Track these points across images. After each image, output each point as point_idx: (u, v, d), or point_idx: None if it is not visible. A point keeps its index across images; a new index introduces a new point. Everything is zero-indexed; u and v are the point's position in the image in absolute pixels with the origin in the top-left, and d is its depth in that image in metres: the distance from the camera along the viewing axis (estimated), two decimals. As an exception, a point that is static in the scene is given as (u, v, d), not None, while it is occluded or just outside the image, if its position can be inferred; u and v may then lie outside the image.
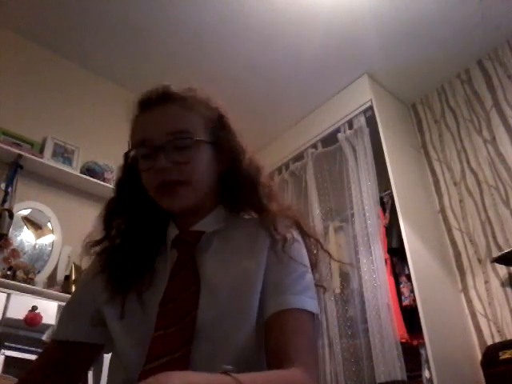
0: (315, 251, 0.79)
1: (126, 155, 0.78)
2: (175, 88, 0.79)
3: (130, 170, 0.80)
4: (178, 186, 0.71)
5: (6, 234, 2.15)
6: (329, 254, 0.84)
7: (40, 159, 2.42)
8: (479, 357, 2.25)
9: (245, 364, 0.63)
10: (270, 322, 0.64)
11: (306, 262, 0.73)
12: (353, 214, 2.68)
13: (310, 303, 0.66)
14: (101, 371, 1.96)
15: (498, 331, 2.30)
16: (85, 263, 0.84)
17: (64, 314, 0.80)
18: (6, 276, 2.05)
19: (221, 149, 0.78)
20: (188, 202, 0.73)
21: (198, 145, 0.74)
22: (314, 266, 0.77)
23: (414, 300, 2.23)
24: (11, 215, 2.17)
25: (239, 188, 0.79)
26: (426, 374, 2.13)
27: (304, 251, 0.75)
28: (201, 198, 0.75)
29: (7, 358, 1.77)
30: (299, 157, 3.25)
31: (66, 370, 0.74)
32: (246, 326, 0.65)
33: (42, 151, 2.54)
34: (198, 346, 0.63)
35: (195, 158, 0.73)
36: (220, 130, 0.79)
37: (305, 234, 0.78)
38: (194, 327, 0.64)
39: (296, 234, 0.75)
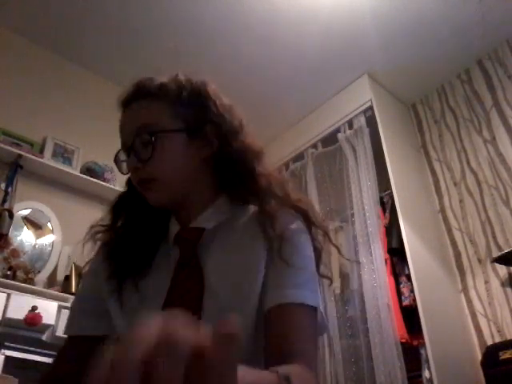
0: (323, 243, 0.76)
1: (117, 160, 0.79)
2: (149, 81, 0.76)
3: None
4: (151, 182, 0.71)
5: (6, 234, 2.15)
6: (337, 247, 0.81)
7: (40, 159, 2.42)
8: (479, 357, 2.25)
9: (244, 362, 0.62)
10: (269, 315, 0.63)
11: (309, 253, 0.70)
12: (353, 214, 2.68)
13: (310, 297, 0.64)
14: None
15: (498, 331, 2.29)
16: (79, 257, 0.84)
17: (74, 308, 0.79)
18: (6, 276, 2.05)
19: (201, 133, 0.73)
20: (163, 196, 0.71)
21: (162, 137, 0.70)
22: (319, 257, 0.74)
23: (414, 300, 2.23)
24: (11, 215, 2.17)
25: (232, 175, 0.74)
26: (426, 373, 2.13)
27: (307, 243, 0.71)
28: (182, 190, 0.73)
29: (7, 358, 1.77)
30: (299, 157, 3.25)
31: (84, 365, 0.73)
32: (247, 326, 0.64)
33: (42, 151, 2.54)
34: None
35: (158, 152, 0.69)
36: (197, 112, 0.74)
37: (312, 225, 0.74)
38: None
39: (301, 225, 0.72)
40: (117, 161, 0.78)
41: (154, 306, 0.67)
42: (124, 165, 0.75)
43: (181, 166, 0.72)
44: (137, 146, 0.70)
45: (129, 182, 0.83)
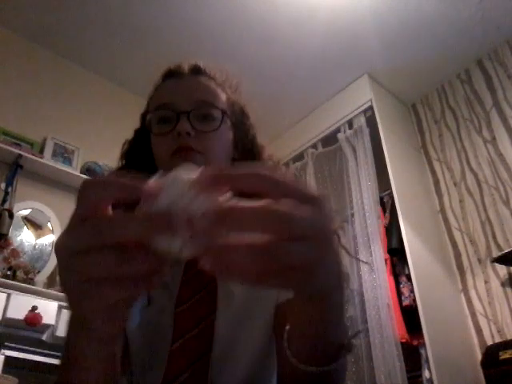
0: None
1: (143, 118, 0.74)
2: (212, 66, 0.78)
3: (140, 139, 0.77)
4: (197, 155, 0.67)
5: (6, 234, 2.15)
6: (345, 248, 0.82)
7: (40, 159, 2.42)
8: (479, 357, 2.25)
9: (259, 366, 0.61)
10: (281, 308, 0.60)
11: None
12: (353, 214, 2.68)
13: None
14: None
15: (498, 331, 2.29)
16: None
17: None
18: (6, 276, 2.05)
19: (241, 135, 0.76)
20: None
21: (226, 120, 0.71)
22: None
23: (414, 300, 2.23)
24: (11, 215, 2.17)
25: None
26: (426, 373, 2.13)
27: None
28: None
29: (7, 357, 1.77)
30: (299, 157, 3.25)
31: None
32: (262, 328, 0.62)
33: (42, 151, 2.54)
34: (215, 352, 0.59)
35: (219, 130, 0.69)
36: (242, 119, 0.77)
37: None
38: (212, 333, 0.60)
39: None
40: (150, 120, 0.72)
41: (166, 306, 0.63)
42: (164, 126, 0.69)
43: (225, 155, 0.72)
44: (194, 114, 0.68)
45: (128, 159, 0.78)
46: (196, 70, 0.75)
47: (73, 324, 0.37)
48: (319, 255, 0.29)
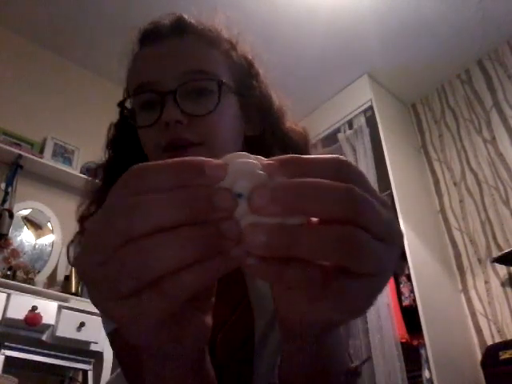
0: None
1: (122, 106, 0.59)
2: (195, 20, 0.62)
3: (125, 127, 0.63)
4: (191, 149, 0.51)
5: (6, 234, 2.15)
6: None
7: (40, 159, 2.43)
8: (479, 357, 2.25)
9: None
10: None
11: None
12: (353, 214, 2.68)
13: None
14: (101, 371, 1.96)
15: (498, 331, 2.29)
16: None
17: None
18: (6, 276, 2.05)
19: (252, 102, 0.59)
20: None
21: (223, 91, 0.53)
22: None
23: (414, 300, 2.23)
24: (11, 215, 2.17)
25: None
26: (426, 373, 2.13)
27: None
28: None
29: (7, 358, 1.77)
30: (299, 157, 3.24)
31: None
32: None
33: (42, 151, 2.54)
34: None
35: (219, 109, 0.52)
36: (250, 79, 0.61)
37: None
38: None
39: None
40: (132, 108, 0.57)
41: None
42: (147, 114, 0.54)
43: (233, 137, 0.56)
44: (182, 93, 0.52)
45: (115, 152, 0.66)
46: (179, 29, 0.60)
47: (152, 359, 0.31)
48: (391, 262, 0.24)
